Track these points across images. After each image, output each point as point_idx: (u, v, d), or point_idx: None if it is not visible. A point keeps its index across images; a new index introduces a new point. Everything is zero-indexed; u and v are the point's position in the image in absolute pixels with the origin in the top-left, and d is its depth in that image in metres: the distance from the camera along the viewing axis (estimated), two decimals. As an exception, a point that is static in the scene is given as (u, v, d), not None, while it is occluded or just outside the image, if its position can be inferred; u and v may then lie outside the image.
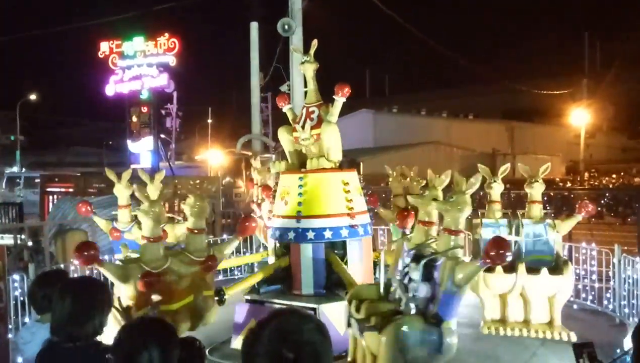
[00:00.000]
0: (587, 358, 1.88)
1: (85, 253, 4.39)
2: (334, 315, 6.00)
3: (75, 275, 5.98)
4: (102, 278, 5.03)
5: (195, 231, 5.43)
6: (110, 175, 6.39)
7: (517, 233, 6.53)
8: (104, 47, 25.39)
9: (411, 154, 34.27)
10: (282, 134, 6.69)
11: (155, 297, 4.75)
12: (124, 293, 4.75)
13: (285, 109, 6.85)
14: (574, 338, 5.95)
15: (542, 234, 6.48)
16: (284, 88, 10.64)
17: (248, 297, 6.43)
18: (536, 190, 6.62)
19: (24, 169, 34.63)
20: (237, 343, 6.11)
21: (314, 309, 6.02)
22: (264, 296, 6.41)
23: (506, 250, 4.12)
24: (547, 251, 6.47)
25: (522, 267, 6.20)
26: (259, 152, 11.47)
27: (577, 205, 6.66)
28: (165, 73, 24.52)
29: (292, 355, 1.27)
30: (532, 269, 6.22)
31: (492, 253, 4.10)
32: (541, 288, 6.21)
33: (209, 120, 30.15)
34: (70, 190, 14.50)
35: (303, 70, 6.88)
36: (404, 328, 4.27)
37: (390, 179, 8.00)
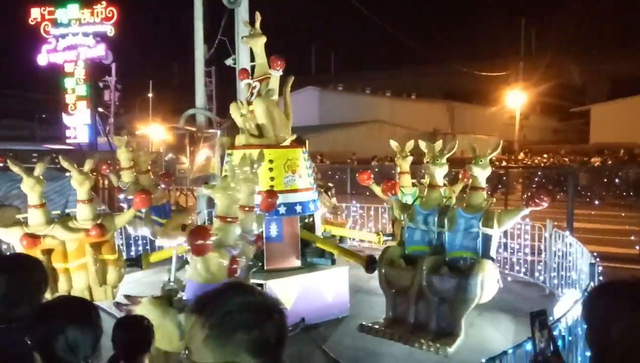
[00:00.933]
0: (539, 325, 2.04)
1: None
2: (282, 290, 6.08)
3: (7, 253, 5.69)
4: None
5: (86, 201, 5.79)
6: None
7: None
8: (35, 13, 23.91)
9: (356, 132, 34.65)
10: (233, 110, 6.61)
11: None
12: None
13: (244, 83, 6.81)
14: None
15: (473, 227, 5.65)
16: (229, 62, 10.41)
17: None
18: (481, 174, 5.66)
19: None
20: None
21: (261, 285, 6.07)
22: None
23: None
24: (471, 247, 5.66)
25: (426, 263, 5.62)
26: (204, 125, 11.23)
27: (526, 196, 6.64)
28: (102, 43, 23.42)
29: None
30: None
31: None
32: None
33: (150, 95, 29.16)
34: (1, 165, 13.67)
35: (250, 44, 6.78)
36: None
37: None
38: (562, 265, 7.21)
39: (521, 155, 35.73)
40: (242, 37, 6.75)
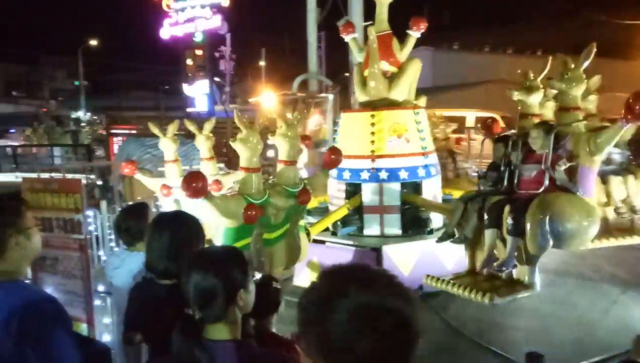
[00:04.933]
0: None
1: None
2: (398, 256, 5.94)
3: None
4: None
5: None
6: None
7: None
8: (158, -11, 25.33)
9: (473, 94, 32.73)
10: (356, 71, 6.50)
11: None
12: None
13: (349, 38, 6.57)
14: None
15: None
16: (341, 23, 10.21)
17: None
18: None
19: (88, 113, 35.89)
20: (299, 280, 6.18)
21: (377, 250, 5.98)
22: (336, 237, 6.42)
23: None
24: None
25: None
26: (315, 90, 11.23)
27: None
28: (218, 14, 24.28)
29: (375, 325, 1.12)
30: None
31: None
32: None
33: (261, 63, 29.87)
34: (134, 131, 14.85)
35: None
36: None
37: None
38: None
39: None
40: None
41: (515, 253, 4.76)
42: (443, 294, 5.54)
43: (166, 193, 5.68)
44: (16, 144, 22.80)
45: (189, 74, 26.03)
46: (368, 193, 6.47)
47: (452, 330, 4.95)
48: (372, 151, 6.29)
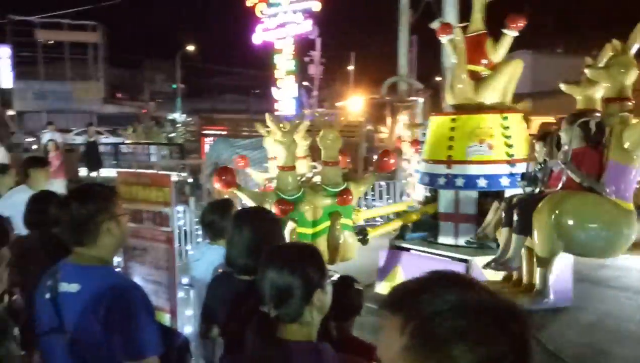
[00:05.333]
0: None
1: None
2: (490, 270, 5.59)
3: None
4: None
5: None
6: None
7: None
8: (252, -4, 26.13)
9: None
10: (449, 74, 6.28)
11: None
12: None
13: (446, 40, 6.24)
14: None
15: None
16: (435, 25, 9.89)
17: (394, 243, 6.27)
18: None
19: (183, 115, 37.85)
20: (380, 287, 6.05)
21: (465, 261, 5.67)
22: (410, 243, 6.21)
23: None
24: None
25: None
26: (404, 94, 10.98)
27: None
28: (309, 19, 24.60)
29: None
30: None
31: None
32: None
33: (350, 67, 29.92)
34: (224, 132, 15.38)
35: None
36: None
37: None
38: None
39: None
40: None
41: (521, 253, 4.56)
42: (540, 314, 5.10)
43: (269, 187, 5.83)
44: (115, 141, 24.45)
45: (278, 78, 26.62)
46: (444, 200, 6.18)
47: (548, 353, 4.52)
48: (449, 156, 5.95)
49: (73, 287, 1.91)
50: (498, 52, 5.98)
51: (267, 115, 5.93)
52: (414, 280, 0.96)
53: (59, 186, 8.16)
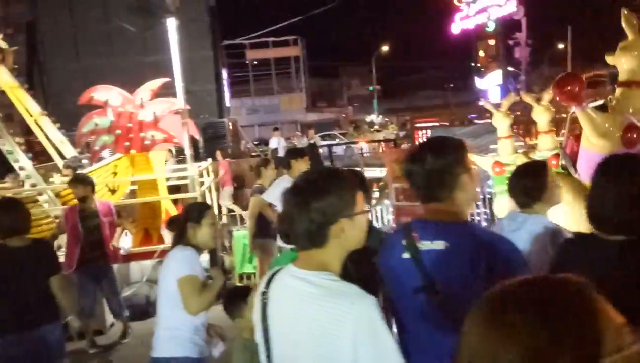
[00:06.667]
0: None
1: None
2: None
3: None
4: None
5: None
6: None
7: None
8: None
9: None
10: None
11: None
12: None
13: None
14: None
15: None
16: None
17: None
18: None
19: (380, 116, 38.66)
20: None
21: None
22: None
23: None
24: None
25: None
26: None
27: None
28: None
29: None
30: None
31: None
32: None
33: (560, 45, 27.19)
34: (437, 124, 15.18)
35: None
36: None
37: None
38: None
39: None
40: None
41: None
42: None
43: (499, 172, 5.34)
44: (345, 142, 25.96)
45: (481, 67, 25.42)
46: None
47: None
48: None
49: (439, 244, 1.82)
50: None
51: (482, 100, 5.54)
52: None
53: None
